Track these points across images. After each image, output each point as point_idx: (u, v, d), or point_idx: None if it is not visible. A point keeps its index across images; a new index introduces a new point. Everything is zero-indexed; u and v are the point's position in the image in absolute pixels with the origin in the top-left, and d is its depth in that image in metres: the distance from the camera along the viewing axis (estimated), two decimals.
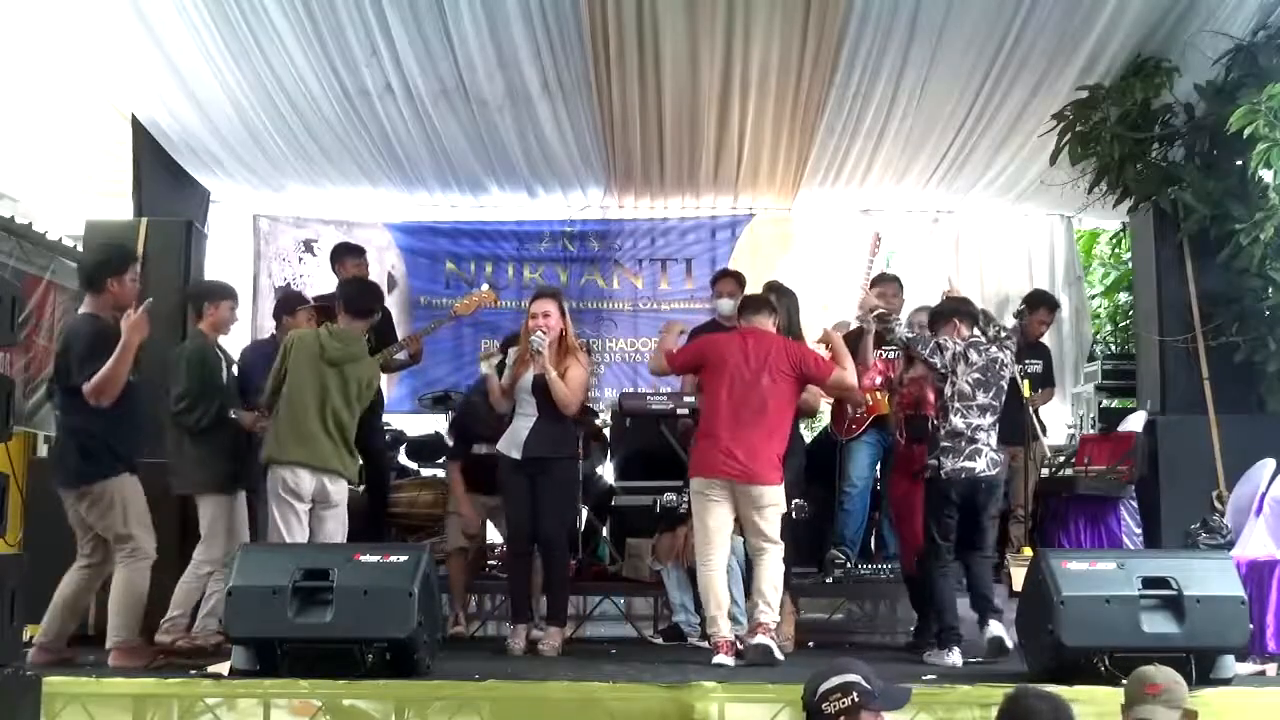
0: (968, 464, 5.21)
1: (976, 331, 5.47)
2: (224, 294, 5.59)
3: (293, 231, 8.51)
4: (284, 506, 5.16)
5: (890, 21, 6.21)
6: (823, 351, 5.49)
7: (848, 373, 5.35)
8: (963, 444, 5.22)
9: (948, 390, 5.31)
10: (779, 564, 5.13)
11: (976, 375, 5.28)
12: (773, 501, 5.11)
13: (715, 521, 5.13)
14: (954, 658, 5.15)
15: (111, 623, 4.88)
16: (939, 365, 5.31)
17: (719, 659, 4.97)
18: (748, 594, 5.30)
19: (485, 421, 6.03)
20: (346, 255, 6.82)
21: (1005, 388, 5.38)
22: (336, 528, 5.25)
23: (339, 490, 5.25)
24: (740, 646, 5.05)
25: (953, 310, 5.55)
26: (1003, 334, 5.52)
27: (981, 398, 5.26)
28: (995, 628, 5.20)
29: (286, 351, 5.30)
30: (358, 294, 5.62)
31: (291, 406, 5.20)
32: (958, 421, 5.24)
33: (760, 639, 4.98)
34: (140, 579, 4.96)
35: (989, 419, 5.28)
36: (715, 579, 5.12)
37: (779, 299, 5.69)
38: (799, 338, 5.68)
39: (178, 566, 5.26)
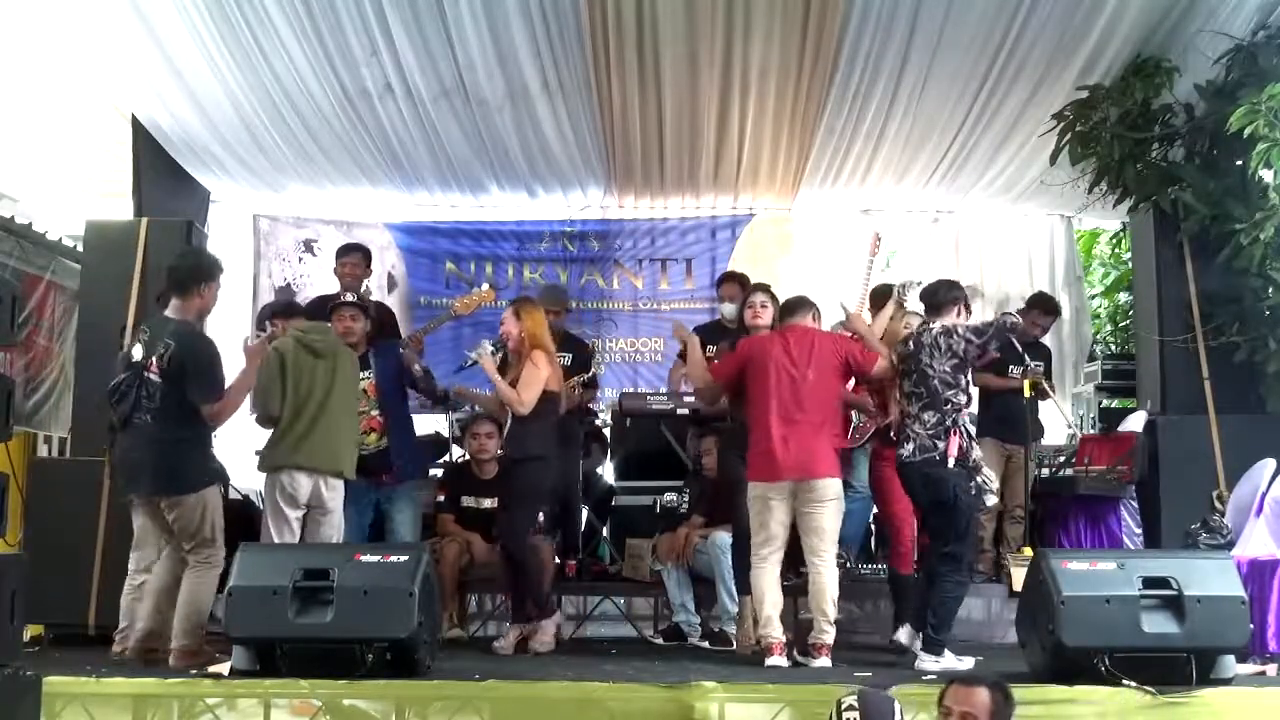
0: (900, 450, 5.23)
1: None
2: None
3: (293, 231, 8.51)
4: (278, 515, 5.18)
5: (890, 21, 6.21)
6: None
7: (886, 361, 5.38)
8: (901, 432, 5.28)
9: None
10: (835, 574, 5.11)
11: (903, 366, 5.30)
12: (833, 495, 5.09)
13: (776, 525, 5.13)
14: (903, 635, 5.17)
15: (178, 627, 4.88)
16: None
17: (774, 661, 4.97)
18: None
19: (475, 484, 6.31)
20: (343, 255, 6.80)
21: (931, 373, 5.13)
22: (331, 533, 5.26)
23: (334, 496, 5.26)
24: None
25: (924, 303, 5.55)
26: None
27: (907, 386, 5.25)
28: (902, 632, 5.18)
29: (280, 363, 5.28)
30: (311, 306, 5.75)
31: (290, 411, 5.21)
32: (895, 410, 5.37)
33: (823, 661, 4.96)
34: (210, 586, 4.96)
35: (915, 406, 5.18)
36: (768, 578, 5.11)
37: (771, 300, 5.72)
38: None
39: None
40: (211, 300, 5.16)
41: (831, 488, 5.10)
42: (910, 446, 5.15)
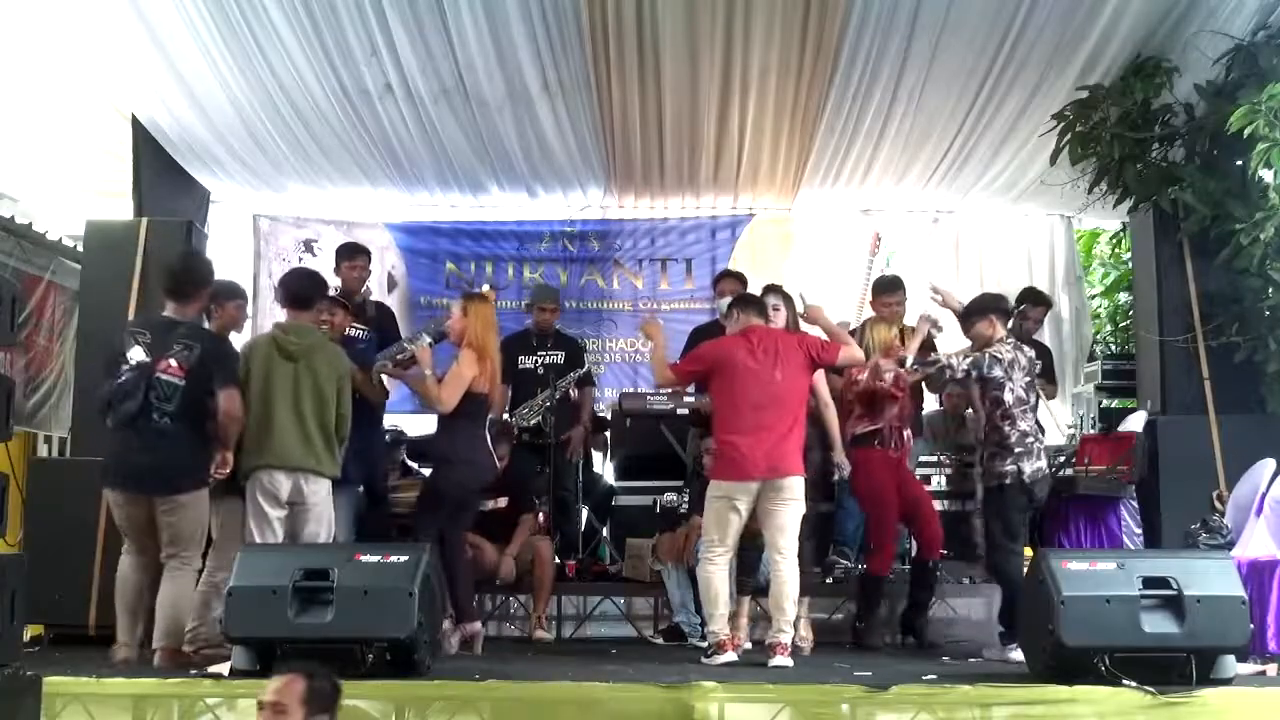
0: (1040, 464, 5.40)
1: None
2: (231, 294, 5.57)
3: (293, 231, 8.51)
4: (259, 515, 5.11)
5: (890, 22, 6.21)
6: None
7: (852, 348, 5.42)
8: (1031, 444, 5.36)
9: (1008, 398, 5.37)
10: (796, 574, 5.12)
11: (1026, 378, 5.41)
12: (796, 495, 5.11)
13: (732, 526, 5.13)
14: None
15: (161, 628, 4.92)
16: (1000, 376, 5.38)
17: (725, 657, 4.99)
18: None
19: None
20: (344, 256, 6.79)
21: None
22: (316, 528, 5.20)
23: (315, 491, 5.18)
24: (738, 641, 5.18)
25: (990, 307, 5.62)
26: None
27: (1031, 398, 5.44)
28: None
29: (246, 359, 5.24)
30: (296, 284, 5.52)
31: (260, 411, 5.14)
32: (1024, 426, 5.37)
33: (780, 660, 4.97)
34: (190, 588, 5.00)
35: (1034, 421, 5.49)
36: (719, 577, 5.13)
37: (784, 300, 5.72)
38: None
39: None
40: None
41: (798, 486, 5.12)
42: (1043, 461, 5.42)
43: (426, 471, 7.25)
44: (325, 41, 6.33)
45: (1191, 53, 6.26)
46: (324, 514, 5.25)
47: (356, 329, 6.50)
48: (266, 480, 5.11)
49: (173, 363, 4.90)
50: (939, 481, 6.96)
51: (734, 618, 5.53)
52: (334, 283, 6.62)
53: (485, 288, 7.36)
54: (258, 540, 5.08)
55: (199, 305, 5.16)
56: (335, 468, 5.28)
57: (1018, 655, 5.08)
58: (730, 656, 5.02)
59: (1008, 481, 5.35)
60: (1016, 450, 5.33)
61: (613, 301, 8.61)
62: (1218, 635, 4.30)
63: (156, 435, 4.88)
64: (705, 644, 5.27)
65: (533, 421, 6.71)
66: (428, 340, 5.66)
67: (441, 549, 5.39)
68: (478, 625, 5.54)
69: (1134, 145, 6.43)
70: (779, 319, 5.63)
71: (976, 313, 5.62)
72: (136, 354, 4.91)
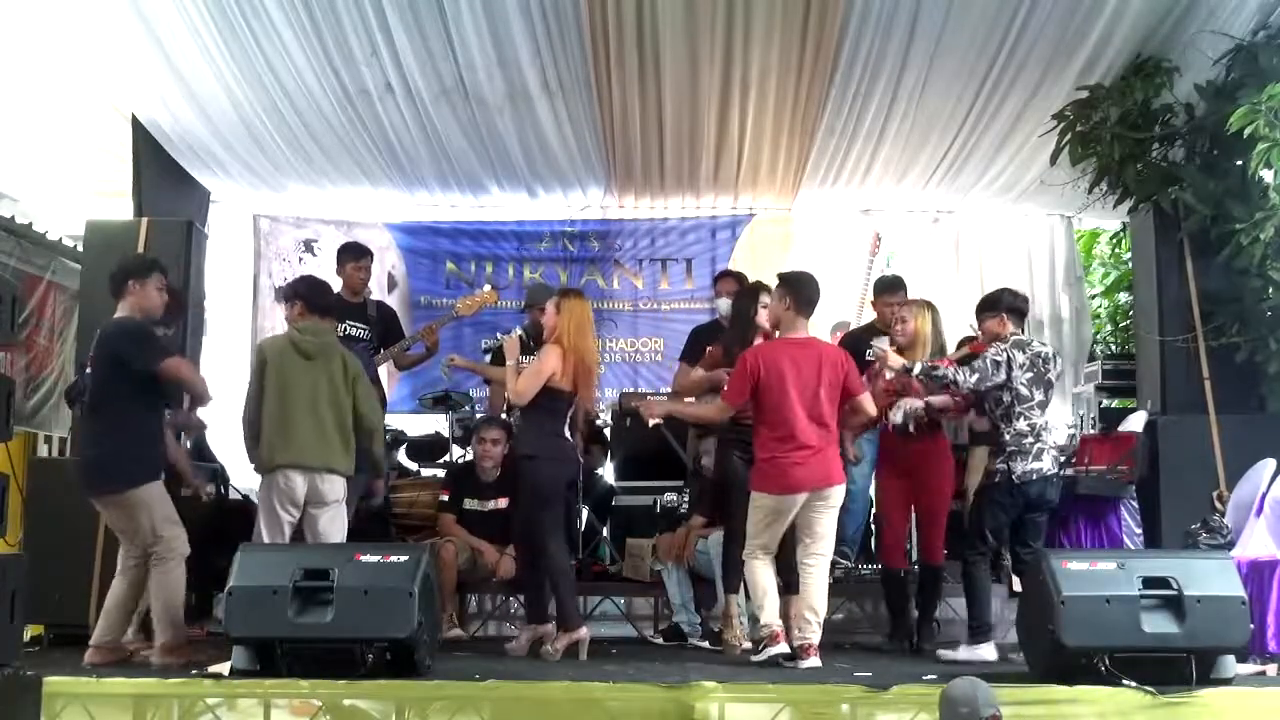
0: (1036, 464, 5.28)
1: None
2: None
3: (293, 231, 8.51)
4: (272, 517, 5.13)
5: (890, 22, 6.21)
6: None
7: (868, 400, 5.34)
8: (1028, 444, 5.29)
9: (1007, 397, 5.34)
10: (826, 577, 5.15)
11: (1030, 374, 5.33)
12: (838, 501, 5.15)
13: (779, 532, 5.14)
14: (986, 651, 5.21)
15: (155, 625, 4.94)
16: (1002, 380, 5.31)
17: (777, 649, 4.98)
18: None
19: (478, 485, 6.31)
20: (351, 257, 6.77)
21: (1054, 381, 5.47)
22: (329, 526, 5.20)
23: (332, 489, 5.20)
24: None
25: (1005, 304, 5.53)
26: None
27: (1038, 395, 5.34)
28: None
29: (263, 362, 5.24)
30: (312, 292, 5.51)
31: (278, 411, 5.15)
32: (1021, 424, 5.31)
33: (811, 661, 4.96)
34: (177, 578, 4.99)
35: (1047, 416, 5.40)
36: (763, 571, 5.11)
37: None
38: None
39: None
40: (148, 299, 5.11)
41: (840, 493, 5.14)
42: (1042, 463, 5.30)
43: (426, 472, 7.29)
44: (325, 41, 6.32)
45: (1191, 53, 6.26)
46: (338, 512, 5.25)
47: (358, 328, 6.51)
48: (283, 482, 5.12)
49: (89, 359, 5.02)
50: None
51: (726, 615, 5.54)
52: (335, 283, 6.65)
53: (487, 288, 7.36)
54: (266, 541, 5.10)
55: (135, 300, 5.11)
56: (350, 464, 5.29)
57: (985, 653, 5.18)
58: (782, 648, 4.99)
59: (996, 480, 5.34)
60: (1009, 449, 5.30)
61: (613, 301, 8.61)
62: (1218, 635, 4.31)
63: (83, 435, 5.03)
64: (756, 637, 5.19)
65: None
66: (519, 333, 5.68)
67: (544, 555, 5.40)
68: (584, 631, 5.38)
69: (1134, 145, 6.43)
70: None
71: (990, 308, 5.55)
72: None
